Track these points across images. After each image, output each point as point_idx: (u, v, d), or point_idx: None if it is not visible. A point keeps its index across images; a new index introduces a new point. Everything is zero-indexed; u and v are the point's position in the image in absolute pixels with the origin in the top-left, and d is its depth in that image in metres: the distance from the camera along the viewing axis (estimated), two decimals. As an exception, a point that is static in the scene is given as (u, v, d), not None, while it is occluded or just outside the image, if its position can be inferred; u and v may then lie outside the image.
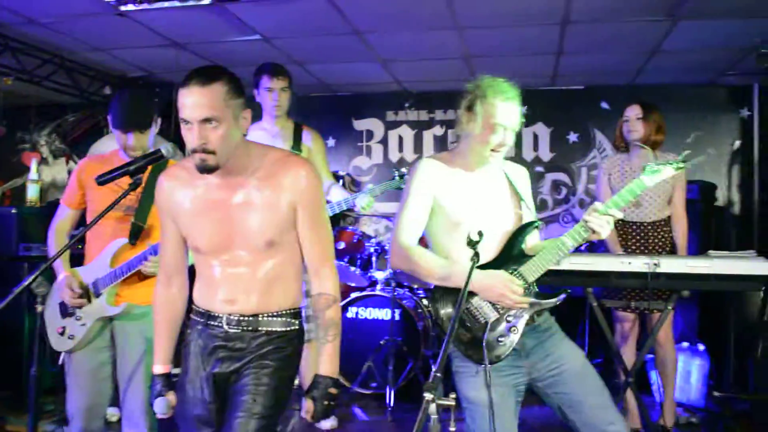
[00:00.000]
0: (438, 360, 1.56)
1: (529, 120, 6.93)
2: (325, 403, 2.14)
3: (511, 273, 2.37)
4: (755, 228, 6.21)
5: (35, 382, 2.49)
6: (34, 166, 6.09)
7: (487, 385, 2.22)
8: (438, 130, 7.18)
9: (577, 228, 2.36)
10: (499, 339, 2.35)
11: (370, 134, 7.34)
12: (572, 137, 6.81)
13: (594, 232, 2.33)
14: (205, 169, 2.00)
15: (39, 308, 2.47)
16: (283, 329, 2.17)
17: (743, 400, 4.71)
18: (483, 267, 2.35)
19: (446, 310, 2.40)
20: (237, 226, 2.10)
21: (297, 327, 2.21)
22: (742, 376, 4.89)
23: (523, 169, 2.65)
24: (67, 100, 6.84)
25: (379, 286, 5.11)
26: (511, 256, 2.41)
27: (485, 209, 2.43)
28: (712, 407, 4.71)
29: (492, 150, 2.39)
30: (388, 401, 4.50)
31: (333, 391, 2.17)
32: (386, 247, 5.09)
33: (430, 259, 2.39)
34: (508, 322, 2.37)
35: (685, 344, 4.90)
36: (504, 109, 2.36)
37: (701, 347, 4.86)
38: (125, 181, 2.41)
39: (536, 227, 2.47)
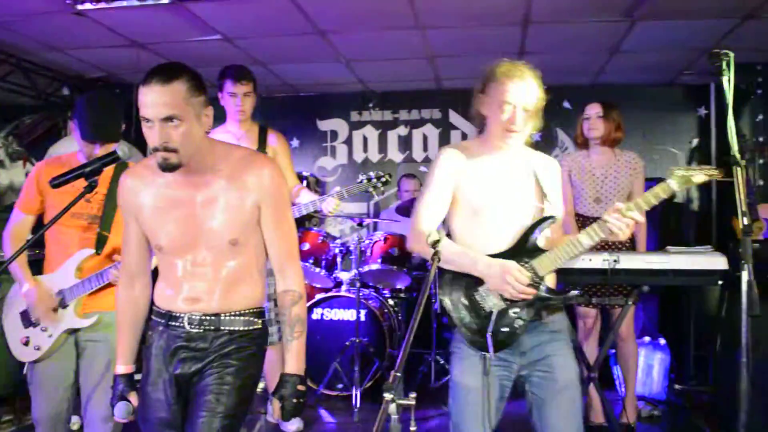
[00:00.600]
0: (398, 360, 1.54)
1: (493, 119, 6.99)
2: (294, 401, 2.13)
3: (522, 265, 2.35)
4: (713, 224, 6.35)
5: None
6: (-11, 169, 5.93)
7: (483, 373, 2.30)
8: (402, 130, 7.19)
9: (594, 227, 2.34)
10: (502, 329, 2.36)
11: (334, 134, 7.32)
12: (535, 136, 6.84)
13: (612, 233, 2.31)
14: (168, 167, 1.99)
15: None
16: (246, 328, 2.17)
17: (703, 392, 4.82)
18: (496, 256, 2.36)
19: (451, 296, 2.43)
20: (200, 225, 2.10)
21: (260, 326, 2.21)
22: (703, 368, 5.00)
23: (554, 162, 2.60)
24: (24, 102, 6.67)
25: (344, 287, 5.10)
26: (525, 248, 2.39)
27: (505, 199, 2.42)
28: (674, 400, 4.80)
29: (506, 131, 2.37)
30: (354, 402, 4.49)
31: (301, 388, 2.17)
32: (351, 248, 5.08)
33: (445, 244, 2.37)
34: (514, 314, 2.37)
35: (647, 339, 4.98)
36: (512, 86, 2.33)
37: (662, 341, 4.94)
38: (83, 184, 2.35)
39: (554, 222, 2.43)
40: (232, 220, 2.10)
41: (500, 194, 2.42)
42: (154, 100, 1.92)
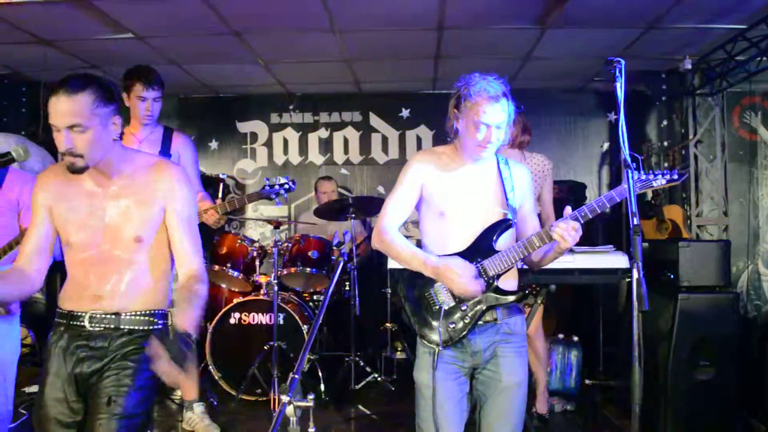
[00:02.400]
0: (299, 362, 1.55)
1: (412, 123, 7.09)
2: (178, 348, 2.00)
3: (474, 264, 2.43)
4: (623, 225, 6.61)
5: None
6: None
7: (432, 368, 2.41)
8: (323, 133, 7.18)
9: (545, 230, 2.41)
10: (450, 325, 2.45)
11: (254, 136, 7.24)
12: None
13: (561, 239, 2.35)
14: (74, 171, 2.09)
15: None
16: (146, 328, 2.21)
17: (612, 386, 5.02)
18: (453, 255, 2.45)
19: (407, 293, 2.55)
20: (108, 223, 2.19)
21: (160, 327, 2.24)
22: (612, 363, 5.20)
23: (523, 169, 2.67)
24: None
25: (263, 290, 5.04)
26: (479, 249, 2.47)
27: (469, 203, 2.51)
28: (586, 395, 4.98)
29: (479, 147, 2.44)
30: (273, 408, 4.44)
31: (188, 336, 2.04)
32: (269, 251, 5.03)
33: (401, 244, 2.50)
34: (462, 311, 2.46)
35: (561, 336, 5.13)
36: (487, 108, 2.38)
37: (575, 338, 5.11)
38: None
39: (509, 226, 2.50)
40: (138, 218, 2.19)
41: (464, 199, 2.52)
42: (60, 110, 2.02)
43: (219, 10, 4.52)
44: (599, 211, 2.39)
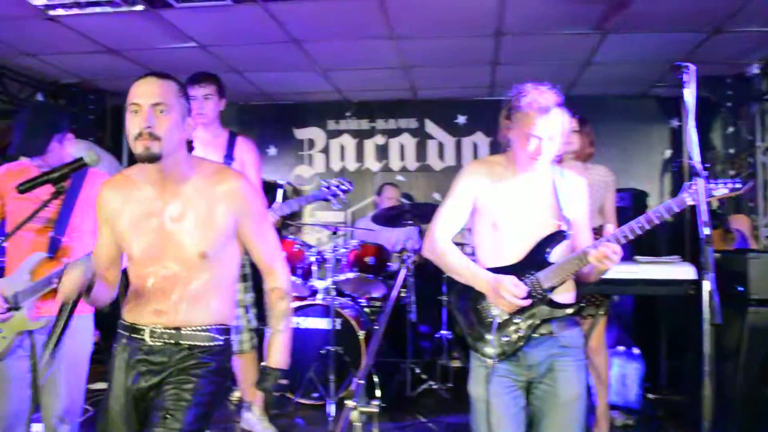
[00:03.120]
0: (363, 368, 1.55)
1: (468, 130, 7.05)
2: (276, 393, 2.14)
3: (527, 277, 2.39)
4: (686, 235, 6.43)
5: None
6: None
7: (486, 381, 2.35)
8: (380, 139, 7.21)
9: (601, 241, 2.33)
10: (503, 338, 2.40)
11: (311, 143, 7.32)
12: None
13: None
14: (148, 157, 1.99)
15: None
16: (207, 344, 2.15)
17: (676, 401, 4.86)
18: (507, 269, 2.41)
19: (459, 305, 2.51)
20: (170, 238, 2.11)
21: (222, 343, 2.19)
22: (675, 377, 5.04)
23: (579, 180, 2.60)
24: (-4, 107, 6.60)
25: (320, 296, 5.07)
26: (533, 261, 2.42)
27: (522, 214, 2.46)
28: (647, 409, 4.84)
29: (530, 158, 2.40)
30: (328, 412, 4.47)
31: (283, 382, 2.17)
32: (326, 257, 5.07)
33: (452, 256, 2.47)
34: (515, 324, 2.40)
35: (621, 348, 5.01)
36: (538, 120, 2.34)
37: (636, 351, 4.98)
38: (45, 191, 2.36)
39: (564, 238, 2.45)
40: (202, 234, 2.11)
41: (518, 210, 2.47)
42: (147, 88, 2.02)
43: (280, 18, 4.60)
44: (656, 222, 2.31)
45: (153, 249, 2.12)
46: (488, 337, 2.41)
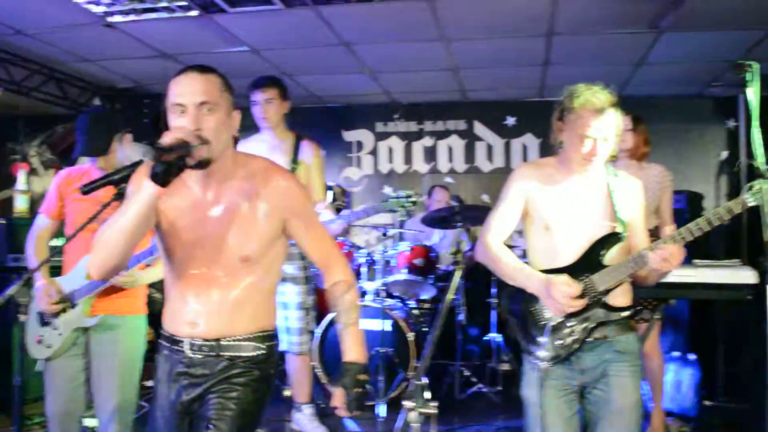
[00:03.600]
0: (420, 369, 1.55)
1: (517, 131, 6.99)
2: (357, 390, 2.00)
3: (581, 279, 2.35)
4: (744, 238, 6.24)
5: (19, 392, 2.47)
6: (22, 177, 6.06)
7: (539, 385, 2.31)
8: (428, 141, 7.21)
9: (658, 243, 2.29)
10: (557, 341, 2.37)
11: (360, 145, 7.36)
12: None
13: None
14: (200, 164, 1.83)
15: (22, 318, 2.47)
16: (249, 354, 2.02)
17: (734, 409, 4.72)
18: (559, 271, 2.37)
19: (512, 308, 2.49)
20: (211, 240, 1.98)
21: (265, 351, 2.05)
22: (733, 385, 4.90)
23: (634, 181, 2.54)
24: (57, 111, 6.82)
25: (369, 297, 5.09)
26: (587, 263, 2.38)
27: (575, 216, 2.42)
28: (704, 416, 4.71)
29: (584, 160, 2.36)
30: (378, 413, 4.47)
31: (363, 377, 2.04)
32: (376, 258, 5.08)
33: (505, 259, 2.43)
34: (569, 327, 2.36)
35: (676, 354, 4.90)
36: (593, 120, 2.30)
37: (692, 356, 4.86)
38: (103, 194, 2.43)
39: (619, 239, 2.40)
40: (245, 236, 1.97)
41: (571, 212, 2.43)
42: (190, 87, 1.86)
43: (330, 21, 4.64)
44: (715, 224, 2.25)
45: (192, 251, 1.99)
46: (541, 340, 2.38)
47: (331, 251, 2.16)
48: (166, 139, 1.74)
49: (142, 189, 1.78)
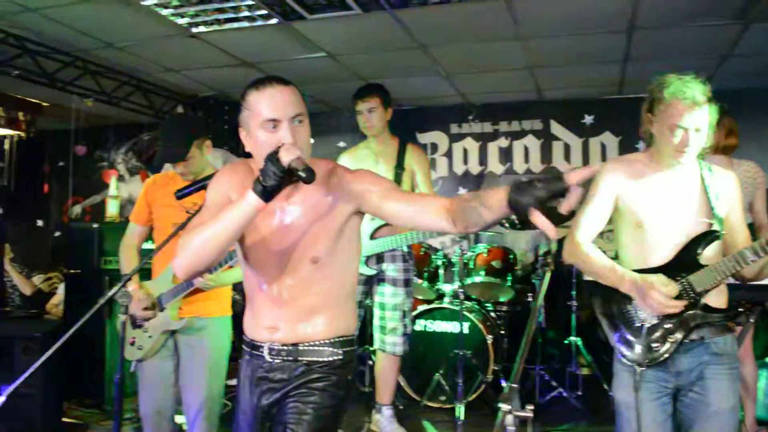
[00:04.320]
0: (516, 371, 1.54)
1: (596, 130, 6.84)
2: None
3: (678, 280, 2.30)
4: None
5: (120, 389, 2.59)
6: (113, 183, 6.35)
7: (634, 388, 2.27)
8: (503, 142, 7.14)
9: (761, 241, 2.21)
10: (653, 345, 2.32)
11: (434, 147, 7.35)
12: (641, 146, 6.65)
13: None
14: (310, 180, 1.73)
15: (122, 317, 2.59)
16: (326, 359, 2.00)
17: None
18: (654, 271, 2.32)
19: (603, 310, 2.44)
20: (285, 246, 1.96)
21: (342, 357, 2.02)
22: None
23: (730, 175, 2.46)
24: (142, 120, 7.11)
25: (446, 299, 5.09)
26: (684, 263, 2.32)
27: (668, 212, 2.37)
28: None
29: (677, 152, 2.31)
30: (457, 415, 4.46)
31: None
32: (453, 260, 5.07)
33: (596, 259, 2.38)
34: (665, 329, 2.31)
35: (768, 359, 4.70)
36: (683, 109, 2.24)
37: (786, 362, 4.65)
38: (190, 200, 2.53)
39: (716, 237, 2.33)
40: (313, 236, 1.95)
41: (664, 208, 2.37)
42: (283, 99, 1.84)
43: (407, 24, 4.66)
44: None
45: (267, 257, 1.99)
46: (636, 342, 2.32)
47: (419, 196, 2.03)
48: (286, 157, 1.71)
49: (243, 200, 1.76)
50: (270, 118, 1.83)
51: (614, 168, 2.46)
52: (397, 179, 4.04)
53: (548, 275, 1.99)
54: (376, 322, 4.17)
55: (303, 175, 1.70)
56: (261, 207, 1.75)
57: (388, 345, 4.13)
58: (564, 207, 1.50)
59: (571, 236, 2.46)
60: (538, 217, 1.52)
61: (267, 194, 1.73)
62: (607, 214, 2.46)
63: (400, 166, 4.07)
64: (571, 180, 1.48)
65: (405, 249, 4.16)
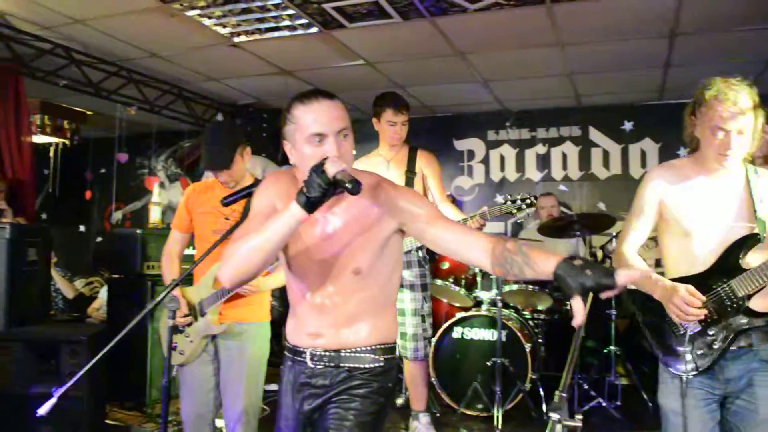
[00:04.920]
0: (563, 380, 1.53)
1: (635, 136, 6.76)
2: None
3: (719, 285, 2.28)
4: None
5: (166, 393, 2.63)
6: (156, 189, 6.47)
7: (681, 395, 2.25)
8: (540, 149, 7.09)
9: None
10: (698, 352, 2.30)
11: (471, 154, 7.34)
12: (682, 153, 6.56)
13: None
14: (357, 190, 1.71)
15: (170, 322, 2.63)
16: (367, 366, 2.02)
17: None
18: (696, 277, 2.31)
19: (646, 317, 2.44)
20: (328, 256, 1.99)
21: (383, 364, 2.03)
22: None
23: None
24: (183, 128, 7.25)
25: (484, 306, 5.07)
26: (725, 267, 2.30)
27: (712, 217, 2.34)
28: None
29: (721, 155, 2.28)
30: (495, 423, 4.44)
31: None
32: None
33: (637, 267, 2.37)
34: (710, 336, 2.29)
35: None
36: (725, 111, 2.21)
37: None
38: (229, 207, 2.57)
39: (759, 240, 2.29)
40: (356, 248, 1.96)
41: (708, 213, 2.34)
42: (328, 113, 1.86)
43: (447, 32, 4.67)
44: None
45: (309, 266, 2.01)
46: (680, 350, 2.30)
47: (464, 228, 1.99)
48: (332, 169, 1.72)
49: (287, 211, 1.77)
50: (316, 132, 1.85)
51: (658, 175, 2.45)
52: (409, 183, 4.08)
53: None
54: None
55: (349, 186, 1.70)
56: (304, 218, 1.76)
57: (409, 351, 4.14)
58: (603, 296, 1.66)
59: (618, 247, 2.47)
60: (576, 302, 1.65)
61: (311, 205, 1.74)
62: (653, 223, 2.45)
63: (411, 171, 4.10)
64: (621, 281, 1.59)
65: (420, 254, 4.17)
